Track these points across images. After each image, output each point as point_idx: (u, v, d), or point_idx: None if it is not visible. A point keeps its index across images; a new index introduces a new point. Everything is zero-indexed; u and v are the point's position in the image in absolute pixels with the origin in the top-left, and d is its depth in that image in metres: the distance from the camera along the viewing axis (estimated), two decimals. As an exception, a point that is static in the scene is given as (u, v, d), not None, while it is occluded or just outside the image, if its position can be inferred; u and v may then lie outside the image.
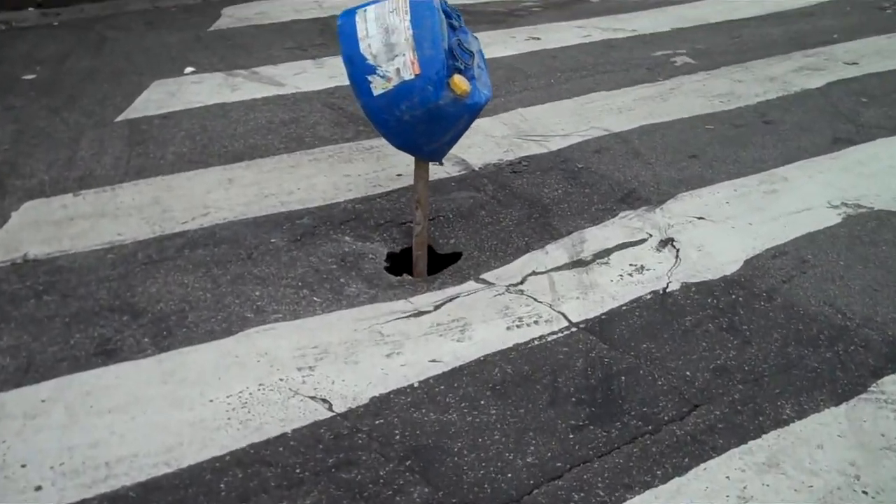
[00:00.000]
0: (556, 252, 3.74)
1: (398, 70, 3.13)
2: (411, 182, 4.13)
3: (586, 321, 3.26)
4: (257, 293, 3.40)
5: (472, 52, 3.40)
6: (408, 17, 3.11)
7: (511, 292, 3.45)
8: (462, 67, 3.29)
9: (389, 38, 3.13)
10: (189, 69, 5.72)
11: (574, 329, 3.21)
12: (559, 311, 3.32)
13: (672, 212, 4.04)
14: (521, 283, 3.52)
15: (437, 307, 3.36)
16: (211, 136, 4.74)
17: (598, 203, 4.14)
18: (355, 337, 3.16)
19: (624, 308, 3.35)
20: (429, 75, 3.10)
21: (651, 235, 3.83)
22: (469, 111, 3.30)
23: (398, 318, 3.28)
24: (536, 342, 3.15)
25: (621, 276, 3.55)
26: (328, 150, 4.64)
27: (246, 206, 4.02)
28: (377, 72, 3.15)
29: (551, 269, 3.61)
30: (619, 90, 5.61)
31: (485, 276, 3.59)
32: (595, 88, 5.64)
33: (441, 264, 3.83)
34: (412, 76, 3.12)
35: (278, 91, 5.42)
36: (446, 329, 3.21)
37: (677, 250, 3.71)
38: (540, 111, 5.25)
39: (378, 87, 3.19)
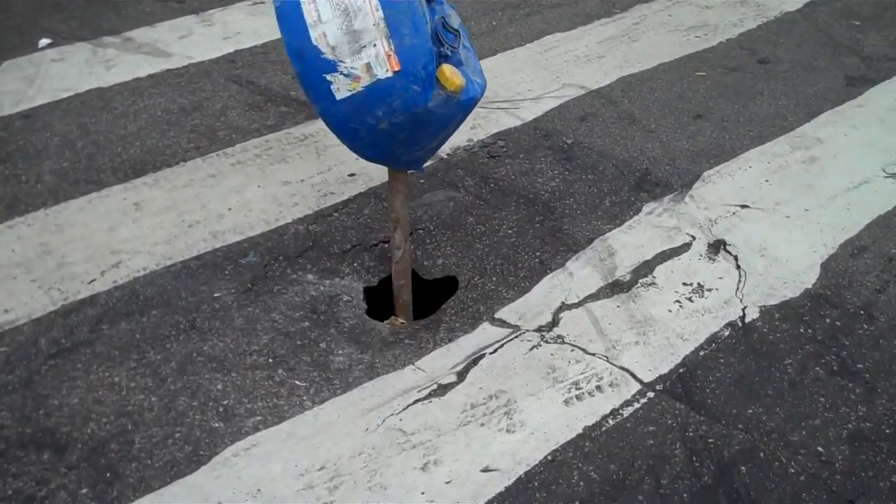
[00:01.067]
0: (583, 271, 2.99)
1: (368, 66, 2.29)
2: (369, 185, 3.32)
3: (661, 379, 2.55)
4: (219, 386, 2.54)
5: (456, 30, 2.57)
6: (373, -8, 2.27)
7: (548, 341, 2.69)
8: (448, 53, 2.48)
9: (352, 24, 2.28)
10: (44, 41, 4.59)
11: (651, 394, 2.50)
12: (622, 368, 2.59)
13: (706, 200, 3.33)
14: (555, 323, 2.76)
15: (460, 375, 2.58)
16: (95, 141, 3.72)
17: (611, 193, 3.39)
18: (371, 442, 2.36)
19: (703, 354, 2.65)
20: (412, 71, 2.29)
21: (694, 238, 3.13)
22: (463, 110, 2.52)
23: (417, 402, 2.49)
24: (611, 422, 2.42)
25: (679, 303, 2.84)
26: (251, 146, 3.70)
27: (168, 246, 3.09)
28: (339, 69, 2.31)
29: (586, 299, 2.87)
30: (576, 30, 4.82)
31: (501, 314, 2.83)
32: (547, 30, 4.83)
33: (432, 296, 3.04)
34: (389, 74, 2.29)
35: (165, 64, 4.38)
36: (486, 413, 2.44)
37: (735, 258, 3.02)
38: (493, 65, 4.42)
39: (342, 88, 2.35)
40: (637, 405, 2.49)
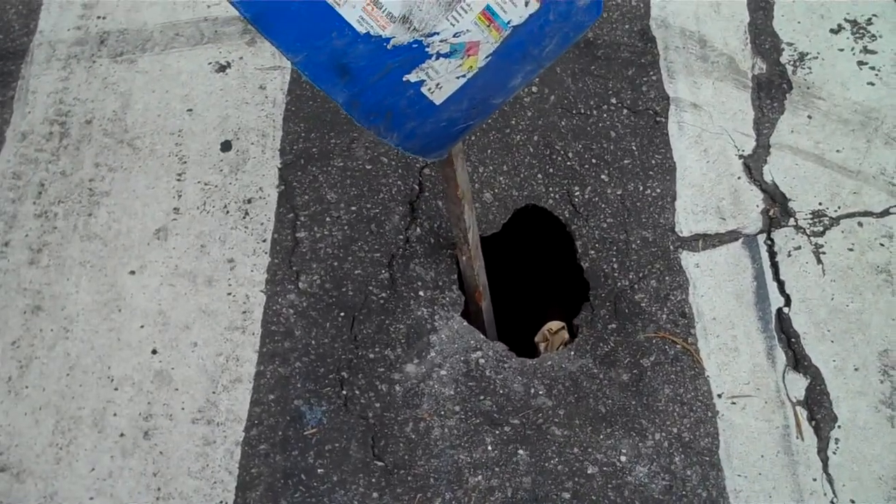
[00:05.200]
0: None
1: (489, 14, 1.32)
2: (269, 148, 2.17)
3: None
4: None
5: None
6: None
7: (814, 232, 2.06)
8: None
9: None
10: None
11: None
12: None
13: None
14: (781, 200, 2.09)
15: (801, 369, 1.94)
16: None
17: None
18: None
19: None
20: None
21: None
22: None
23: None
24: None
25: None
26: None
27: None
28: (430, 52, 1.33)
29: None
30: None
31: (684, 223, 2.09)
32: None
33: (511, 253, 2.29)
34: (534, 6, 1.33)
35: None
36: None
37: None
38: None
39: (445, 81, 1.38)
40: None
